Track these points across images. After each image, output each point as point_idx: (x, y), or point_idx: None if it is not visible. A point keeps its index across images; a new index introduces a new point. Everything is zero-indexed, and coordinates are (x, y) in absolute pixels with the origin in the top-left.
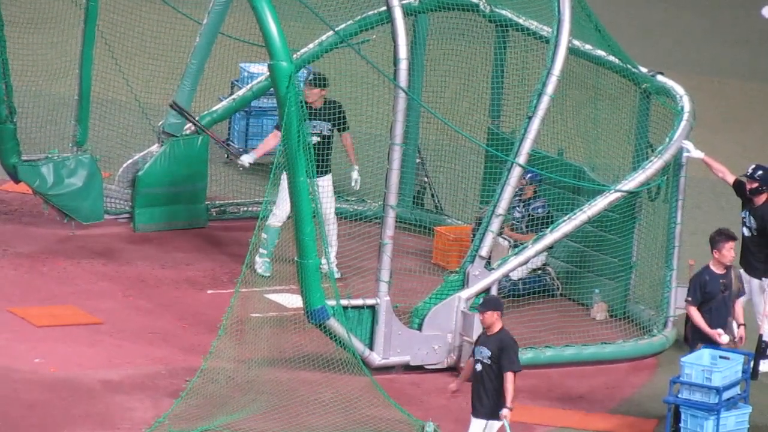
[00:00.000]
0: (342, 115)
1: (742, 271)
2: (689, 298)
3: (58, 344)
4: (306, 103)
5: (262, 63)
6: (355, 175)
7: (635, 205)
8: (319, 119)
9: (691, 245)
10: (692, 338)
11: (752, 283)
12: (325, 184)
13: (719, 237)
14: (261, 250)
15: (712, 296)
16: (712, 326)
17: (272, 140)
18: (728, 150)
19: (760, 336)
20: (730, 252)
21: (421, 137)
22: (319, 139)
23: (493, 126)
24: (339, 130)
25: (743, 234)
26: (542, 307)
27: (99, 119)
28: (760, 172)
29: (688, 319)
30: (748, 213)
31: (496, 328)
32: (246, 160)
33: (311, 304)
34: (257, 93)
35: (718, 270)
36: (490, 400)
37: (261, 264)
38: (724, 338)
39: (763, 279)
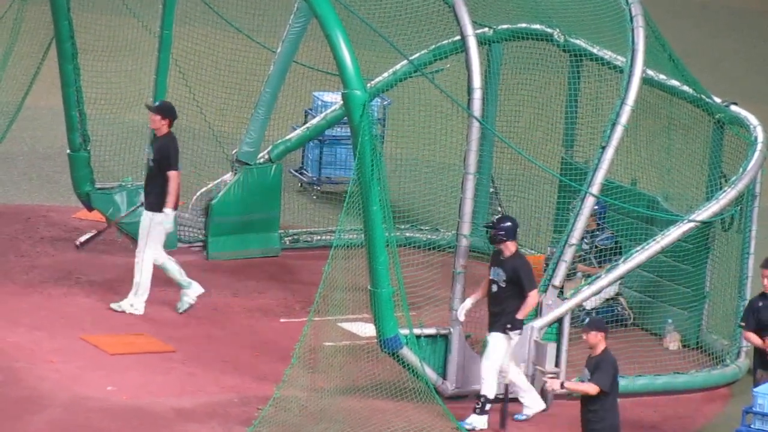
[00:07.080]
0: None
1: None
2: (743, 323)
3: (130, 372)
4: None
5: (335, 92)
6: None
7: (709, 235)
8: None
9: None
10: (753, 366)
11: None
12: None
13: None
14: None
15: (764, 323)
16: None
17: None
18: None
19: None
20: (765, 280)
21: (494, 166)
22: None
23: (566, 156)
24: None
25: None
26: (615, 337)
27: None
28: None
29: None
30: None
31: (599, 349)
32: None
33: (384, 333)
34: (331, 122)
35: None
36: None
37: None
38: None
39: None
